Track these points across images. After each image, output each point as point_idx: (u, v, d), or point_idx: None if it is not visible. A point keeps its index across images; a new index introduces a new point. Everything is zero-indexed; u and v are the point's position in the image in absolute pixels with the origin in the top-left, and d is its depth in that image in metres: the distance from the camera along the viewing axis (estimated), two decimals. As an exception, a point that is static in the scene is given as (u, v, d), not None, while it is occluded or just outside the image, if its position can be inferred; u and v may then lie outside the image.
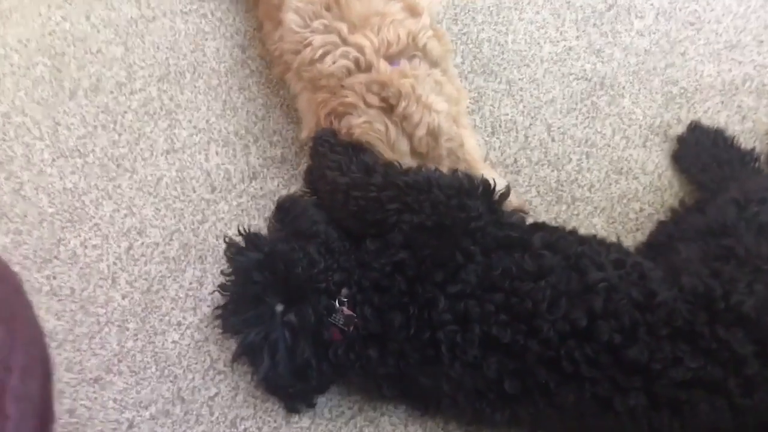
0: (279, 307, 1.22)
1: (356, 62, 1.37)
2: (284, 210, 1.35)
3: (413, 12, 1.45)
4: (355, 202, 1.26)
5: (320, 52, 1.40)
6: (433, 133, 1.33)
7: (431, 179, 1.23)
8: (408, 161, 1.33)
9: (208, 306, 1.44)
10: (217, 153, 1.63)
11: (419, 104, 1.32)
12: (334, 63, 1.38)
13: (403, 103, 1.31)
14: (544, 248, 1.17)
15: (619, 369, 1.04)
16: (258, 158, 1.61)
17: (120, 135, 1.67)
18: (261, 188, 1.57)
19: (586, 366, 1.05)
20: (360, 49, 1.37)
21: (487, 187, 1.25)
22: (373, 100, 1.33)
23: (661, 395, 1.03)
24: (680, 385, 1.03)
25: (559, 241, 1.20)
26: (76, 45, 1.80)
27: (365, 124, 1.33)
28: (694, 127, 1.55)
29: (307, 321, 1.19)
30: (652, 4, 1.77)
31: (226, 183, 1.59)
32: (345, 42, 1.38)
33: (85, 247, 1.53)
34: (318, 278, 1.22)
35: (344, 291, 1.23)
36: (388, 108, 1.33)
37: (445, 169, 1.39)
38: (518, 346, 1.09)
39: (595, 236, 1.28)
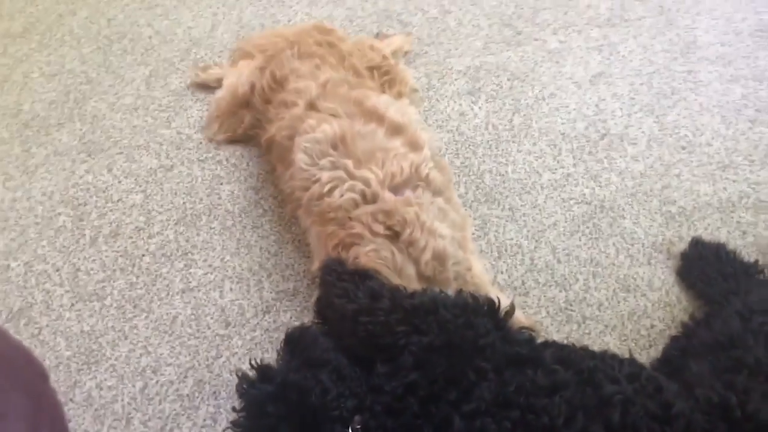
0: None
1: (363, 194, 1.44)
2: (294, 340, 1.36)
3: (414, 147, 1.53)
4: (364, 328, 1.27)
5: (328, 186, 1.47)
6: (439, 257, 1.36)
7: (437, 300, 1.25)
8: (416, 285, 1.36)
9: (222, 443, 1.42)
10: (231, 289, 1.67)
11: (423, 230, 1.37)
12: (341, 196, 1.45)
13: (408, 230, 1.36)
14: (555, 363, 1.17)
15: None
16: (271, 292, 1.65)
17: (137, 277, 1.72)
18: (274, 321, 1.60)
19: None
20: (366, 181, 1.44)
21: (491, 305, 1.26)
22: (379, 228, 1.38)
23: None
24: None
25: (570, 355, 1.20)
26: (98, 195, 1.90)
27: (372, 252, 1.38)
28: (696, 243, 1.58)
29: None
30: (643, 132, 1.86)
31: (240, 318, 1.61)
32: (351, 176, 1.46)
33: (101, 388, 1.54)
34: (331, 406, 1.21)
35: (357, 418, 1.21)
36: (394, 236, 1.38)
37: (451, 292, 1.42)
38: None
39: (606, 351, 1.27)
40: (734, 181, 1.74)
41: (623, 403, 1.08)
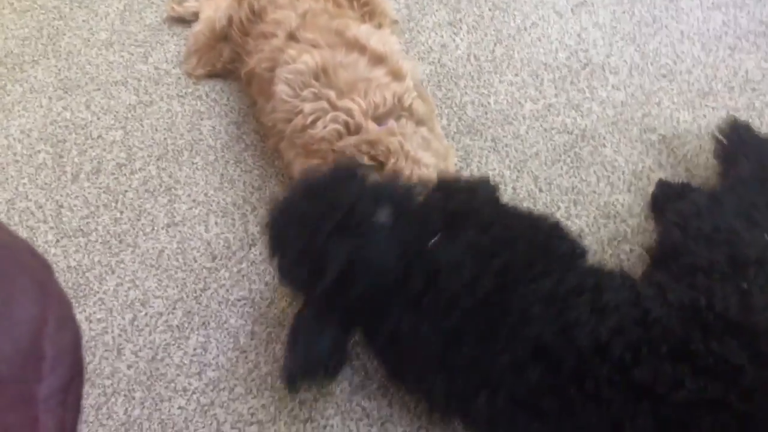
0: None
1: (346, 125, 1.43)
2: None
3: (397, 76, 1.52)
4: None
5: (311, 118, 1.47)
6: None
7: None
8: None
9: (213, 370, 1.45)
10: (216, 223, 1.67)
11: (408, 159, 1.38)
12: (325, 128, 1.44)
13: (392, 159, 1.37)
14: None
15: (629, 391, 1.05)
16: (257, 226, 1.66)
17: (121, 213, 1.72)
18: (260, 254, 1.61)
19: (606, 386, 1.06)
20: (349, 112, 1.43)
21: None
22: (363, 159, 1.39)
23: (667, 417, 1.04)
24: (683, 406, 1.03)
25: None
26: (77, 132, 1.88)
27: None
28: (661, 184, 1.61)
29: None
30: (624, 61, 1.86)
31: (226, 251, 1.62)
32: (334, 107, 1.45)
33: (90, 321, 1.55)
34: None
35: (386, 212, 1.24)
36: (379, 166, 1.39)
37: None
38: (557, 357, 1.10)
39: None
40: (714, 108, 1.75)
41: (617, 309, 1.12)
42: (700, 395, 1.03)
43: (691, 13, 1.95)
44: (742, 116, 1.72)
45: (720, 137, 1.55)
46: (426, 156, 1.42)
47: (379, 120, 1.45)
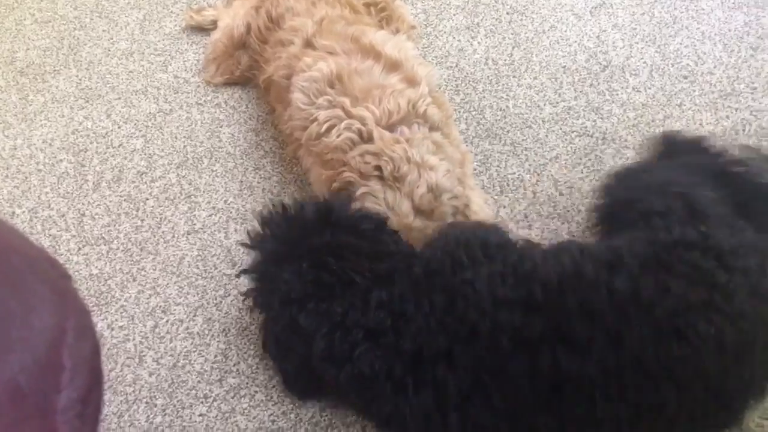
0: None
1: (359, 133, 1.43)
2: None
3: (412, 82, 1.52)
4: None
5: (326, 126, 1.46)
6: (433, 190, 1.36)
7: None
8: (413, 222, 1.36)
9: (234, 377, 1.45)
10: (236, 230, 1.68)
11: (412, 164, 1.36)
12: (338, 136, 1.44)
13: (389, 167, 1.36)
14: None
15: (614, 304, 1.05)
16: (276, 232, 1.66)
17: (142, 220, 1.73)
18: (280, 260, 1.61)
19: (589, 300, 1.06)
20: (362, 120, 1.43)
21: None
22: (368, 169, 1.38)
23: (663, 325, 1.03)
24: (676, 312, 1.03)
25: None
26: (98, 141, 1.90)
27: (364, 195, 1.38)
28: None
29: None
30: (645, 62, 1.85)
31: (246, 257, 1.62)
32: (349, 115, 1.45)
33: (112, 329, 1.56)
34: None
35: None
36: (383, 175, 1.38)
37: None
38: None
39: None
40: (736, 109, 1.73)
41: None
42: (688, 300, 1.03)
43: (712, 14, 1.92)
44: (766, 117, 1.70)
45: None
46: (434, 160, 1.40)
47: (391, 127, 1.44)
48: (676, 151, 1.49)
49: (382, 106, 1.44)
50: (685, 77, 1.81)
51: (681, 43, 1.88)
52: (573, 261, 1.12)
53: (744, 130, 1.69)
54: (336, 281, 1.18)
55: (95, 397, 0.98)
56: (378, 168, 1.37)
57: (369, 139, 1.42)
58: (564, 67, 1.87)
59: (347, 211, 1.29)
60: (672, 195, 1.23)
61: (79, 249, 1.70)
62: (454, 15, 2.02)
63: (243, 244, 1.35)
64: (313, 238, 1.24)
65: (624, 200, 1.31)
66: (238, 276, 1.55)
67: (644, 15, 1.95)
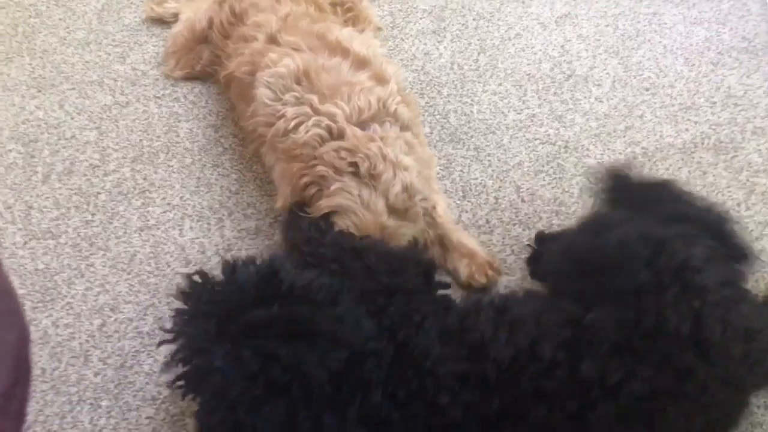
0: None
1: (329, 130, 1.40)
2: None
3: (380, 80, 1.50)
4: (306, 257, 1.27)
5: (293, 122, 1.43)
6: (408, 190, 1.35)
7: (370, 246, 1.25)
8: (386, 220, 1.34)
9: (184, 379, 1.40)
10: (191, 228, 1.63)
11: (388, 163, 1.35)
12: (307, 132, 1.41)
13: (370, 164, 1.34)
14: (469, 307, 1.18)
15: (580, 385, 1.03)
16: (232, 231, 1.62)
17: (93, 215, 1.67)
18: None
19: (546, 382, 1.04)
20: (332, 117, 1.40)
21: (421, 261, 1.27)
22: (343, 165, 1.36)
23: (629, 409, 1.02)
24: (643, 397, 1.02)
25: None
26: (50, 132, 1.83)
27: (338, 191, 1.36)
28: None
29: None
30: (608, 73, 1.86)
31: (201, 256, 1.58)
32: (317, 112, 1.42)
33: (57, 326, 1.50)
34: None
35: None
36: (358, 172, 1.36)
37: (421, 230, 1.42)
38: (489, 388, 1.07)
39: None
40: (696, 123, 1.75)
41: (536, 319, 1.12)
42: (655, 385, 1.02)
43: (674, 28, 1.95)
44: (724, 131, 1.72)
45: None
46: (408, 160, 1.39)
47: (362, 125, 1.42)
48: (638, 197, 1.34)
49: (352, 103, 1.42)
50: (647, 89, 1.83)
51: (643, 56, 1.89)
52: (527, 337, 1.08)
53: (703, 144, 1.71)
54: (291, 378, 0.98)
55: (20, 392, 0.90)
56: (353, 164, 1.35)
57: (340, 136, 1.40)
58: (529, 74, 1.87)
59: (295, 275, 1.07)
60: (662, 259, 1.10)
61: (25, 243, 1.63)
62: (421, 18, 2.00)
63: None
64: (252, 311, 1.01)
65: (593, 262, 1.18)
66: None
67: (608, 27, 1.96)
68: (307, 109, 1.43)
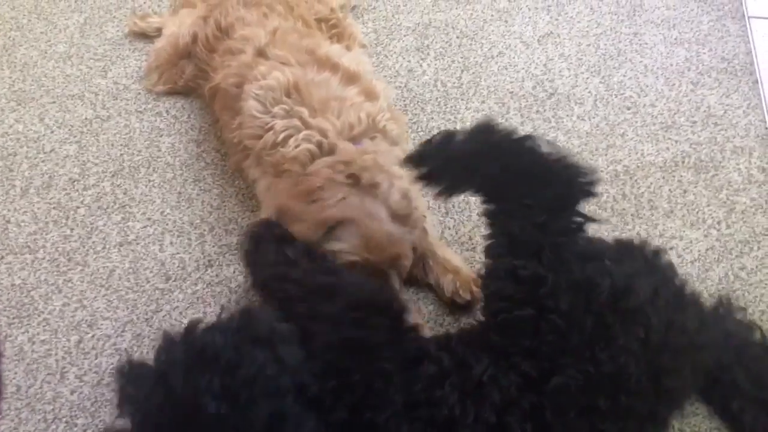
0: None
1: (319, 145, 1.40)
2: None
3: (370, 96, 1.50)
4: (275, 295, 1.21)
5: (282, 135, 1.43)
6: (406, 196, 1.34)
7: (339, 287, 1.17)
8: (390, 228, 1.33)
9: (162, 397, 1.38)
10: (171, 243, 1.61)
11: (384, 173, 1.34)
12: (296, 147, 1.40)
13: (369, 174, 1.33)
14: (438, 350, 1.14)
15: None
16: (213, 246, 1.60)
17: (72, 230, 1.65)
18: (217, 275, 1.56)
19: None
20: (323, 132, 1.40)
21: (389, 304, 1.20)
22: (340, 178, 1.35)
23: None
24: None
25: (448, 340, 1.18)
26: (29, 145, 1.81)
27: (341, 202, 1.34)
28: None
29: None
30: (589, 92, 1.87)
31: (181, 272, 1.56)
32: (307, 126, 1.42)
33: (33, 342, 1.47)
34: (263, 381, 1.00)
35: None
36: (356, 183, 1.35)
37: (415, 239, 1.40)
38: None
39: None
40: (676, 141, 1.76)
41: (494, 381, 1.07)
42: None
43: (655, 48, 1.97)
44: (704, 150, 1.74)
45: None
46: (400, 171, 1.38)
47: (353, 140, 1.42)
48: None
49: (342, 118, 1.42)
50: (628, 108, 1.84)
51: (625, 75, 1.91)
52: (494, 409, 1.05)
53: (683, 162, 1.72)
54: None
55: None
56: (351, 176, 1.34)
57: (330, 152, 1.39)
58: (511, 92, 1.88)
59: (231, 348, 0.99)
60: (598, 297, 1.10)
61: (2, 257, 1.60)
62: (405, 36, 2.01)
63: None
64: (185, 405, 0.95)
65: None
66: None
67: (590, 46, 1.98)
68: (296, 122, 1.43)
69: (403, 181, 1.36)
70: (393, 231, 1.33)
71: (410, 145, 1.69)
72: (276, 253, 1.24)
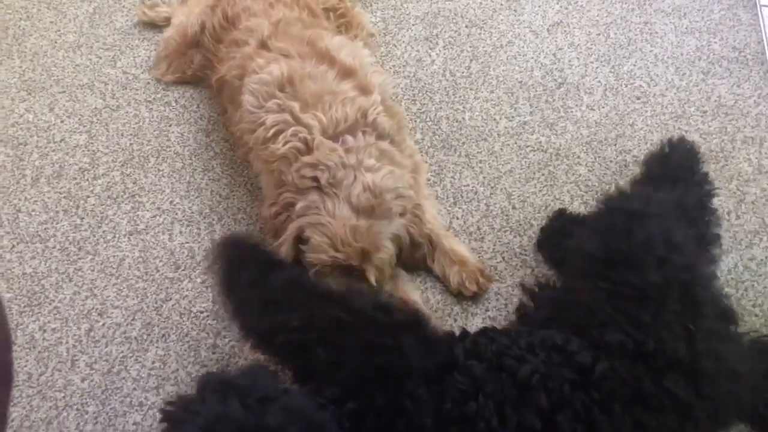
0: None
1: (305, 143, 1.40)
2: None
3: (364, 91, 1.49)
4: (281, 343, 1.11)
5: (273, 130, 1.43)
6: (372, 189, 1.34)
7: (361, 315, 1.08)
8: (356, 222, 1.33)
9: (172, 385, 1.40)
10: (181, 232, 1.62)
11: (348, 169, 1.35)
12: (285, 144, 1.41)
13: (325, 175, 1.35)
14: (468, 358, 1.09)
15: None
16: (222, 235, 1.61)
17: (82, 219, 1.66)
18: (226, 265, 1.56)
19: None
20: (309, 129, 1.40)
21: (417, 320, 1.14)
22: (305, 183, 1.37)
23: None
24: None
25: (476, 344, 1.13)
26: (39, 135, 1.82)
27: (303, 209, 1.36)
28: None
29: None
30: (599, 81, 1.86)
31: (190, 261, 1.57)
32: (297, 121, 1.42)
33: (44, 331, 1.48)
34: None
35: None
36: (319, 185, 1.36)
37: (401, 227, 1.40)
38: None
39: (494, 327, 1.21)
40: (686, 132, 1.75)
41: (542, 381, 1.02)
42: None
43: (665, 37, 1.96)
44: (715, 140, 1.73)
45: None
46: (372, 161, 1.39)
47: (336, 137, 1.42)
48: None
49: (329, 114, 1.42)
50: (638, 98, 1.83)
51: (635, 65, 1.90)
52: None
53: (693, 152, 1.71)
54: None
55: (2, 396, 0.88)
56: (314, 179, 1.36)
57: (311, 150, 1.40)
58: (520, 82, 1.87)
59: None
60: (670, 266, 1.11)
61: (13, 246, 1.62)
62: (414, 25, 2.01)
63: None
64: None
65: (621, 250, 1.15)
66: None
67: (600, 36, 1.97)
68: (287, 116, 1.43)
69: (370, 174, 1.35)
70: (359, 224, 1.33)
71: (411, 137, 1.70)
72: (260, 289, 1.13)
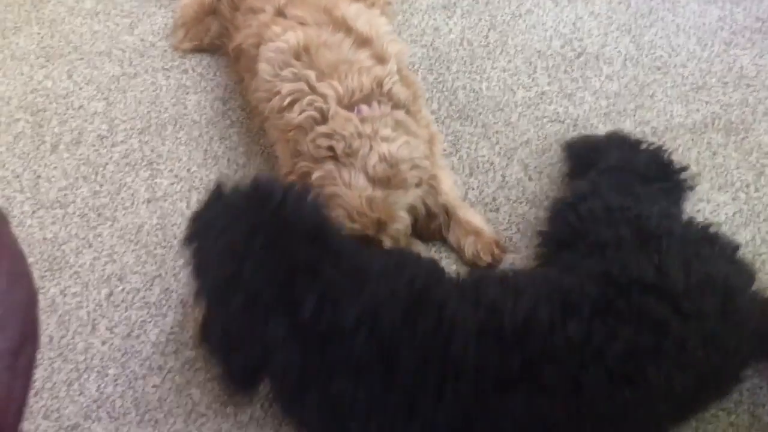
0: None
1: (321, 112, 1.40)
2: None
3: (381, 60, 1.48)
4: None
5: (288, 99, 1.43)
6: (387, 159, 1.34)
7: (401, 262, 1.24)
8: (372, 193, 1.33)
9: (190, 350, 1.42)
10: (198, 200, 1.63)
11: (364, 138, 1.35)
12: (301, 113, 1.41)
13: (341, 145, 1.34)
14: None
15: (571, 348, 1.05)
16: (239, 204, 1.62)
17: (101, 185, 1.67)
18: (242, 232, 1.57)
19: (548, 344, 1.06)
20: (324, 98, 1.40)
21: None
22: (321, 153, 1.36)
23: (615, 370, 1.04)
24: (625, 358, 1.04)
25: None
26: (58, 102, 1.83)
27: (319, 179, 1.36)
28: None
29: None
30: (619, 51, 1.84)
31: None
32: (313, 90, 1.41)
33: (65, 295, 1.51)
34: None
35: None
36: (335, 155, 1.36)
37: (417, 198, 1.41)
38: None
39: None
40: (707, 103, 1.74)
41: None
42: (635, 345, 1.04)
43: (687, 7, 1.93)
44: (735, 112, 1.71)
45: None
46: (388, 131, 1.38)
47: (352, 106, 1.41)
48: (596, 158, 1.49)
49: (345, 83, 1.41)
50: (659, 68, 1.81)
51: (656, 35, 1.88)
52: (531, 301, 1.10)
53: (713, 124, 1.69)
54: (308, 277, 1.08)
55: (29, 350, 0.91)
56: (330, 149, 1.35)
57: (326, 120, 1.39)
58: (539, 51, 1.86)
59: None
60: (621, 222, 1.22)
61: (34, 212, 1.64)
62: (431, -7, 1.99)
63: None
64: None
65: (570, 231, 1.31)
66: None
67: (621, 4, 1.94)
68: (303, 85, 1.42)
69: (385, 143, 1.35)
70: (375, 195, 1.33)
71: (428, 107, 1.69)
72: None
